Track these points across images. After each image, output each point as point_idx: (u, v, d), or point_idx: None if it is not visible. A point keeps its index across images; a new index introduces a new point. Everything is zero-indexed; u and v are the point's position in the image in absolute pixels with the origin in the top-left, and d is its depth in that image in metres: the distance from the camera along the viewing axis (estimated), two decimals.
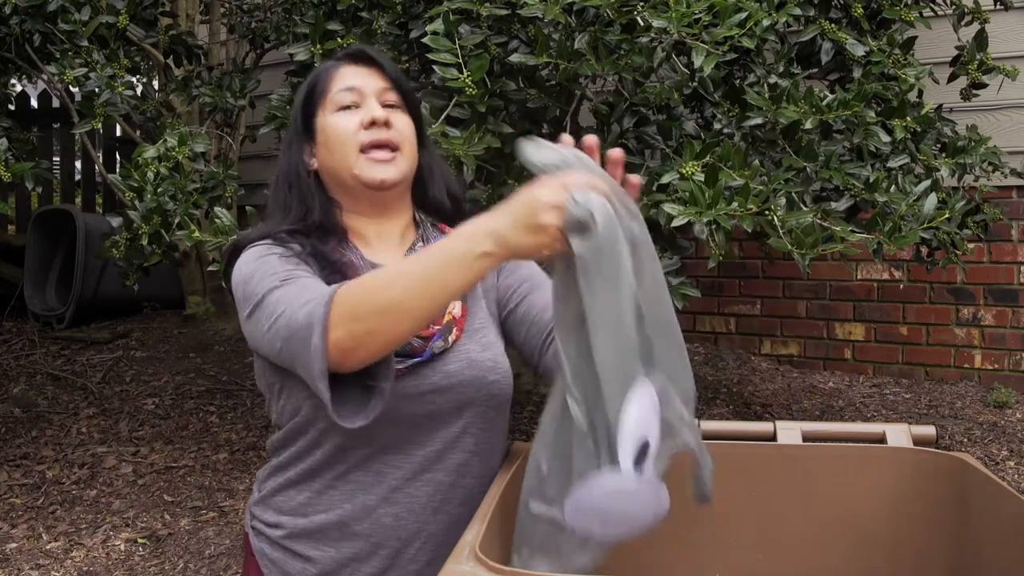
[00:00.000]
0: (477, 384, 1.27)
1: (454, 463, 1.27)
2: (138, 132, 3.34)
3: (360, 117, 1.30)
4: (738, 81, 2.52)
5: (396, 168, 1.30)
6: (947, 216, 2.29)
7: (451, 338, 1.28)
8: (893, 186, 2.32)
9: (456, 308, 1.30)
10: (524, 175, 2.30)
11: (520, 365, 1.37)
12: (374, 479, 1.25)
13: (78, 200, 5.73)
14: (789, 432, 1.44)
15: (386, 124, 1.30)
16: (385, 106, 1.33)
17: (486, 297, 1.35)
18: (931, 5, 3.06)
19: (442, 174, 1.39)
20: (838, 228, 2.12)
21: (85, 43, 2.79)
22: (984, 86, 2.97)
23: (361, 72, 1.34)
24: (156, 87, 3.71)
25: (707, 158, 2.09)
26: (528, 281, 1.35)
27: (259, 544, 1.32)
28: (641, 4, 2.10)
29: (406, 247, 1.34)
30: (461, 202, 1.39)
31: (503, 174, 2.40)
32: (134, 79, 3.16)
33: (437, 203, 1.36)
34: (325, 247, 1.27)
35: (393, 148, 1.30)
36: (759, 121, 2.30)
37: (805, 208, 2.21)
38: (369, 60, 1.35)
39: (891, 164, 2.47)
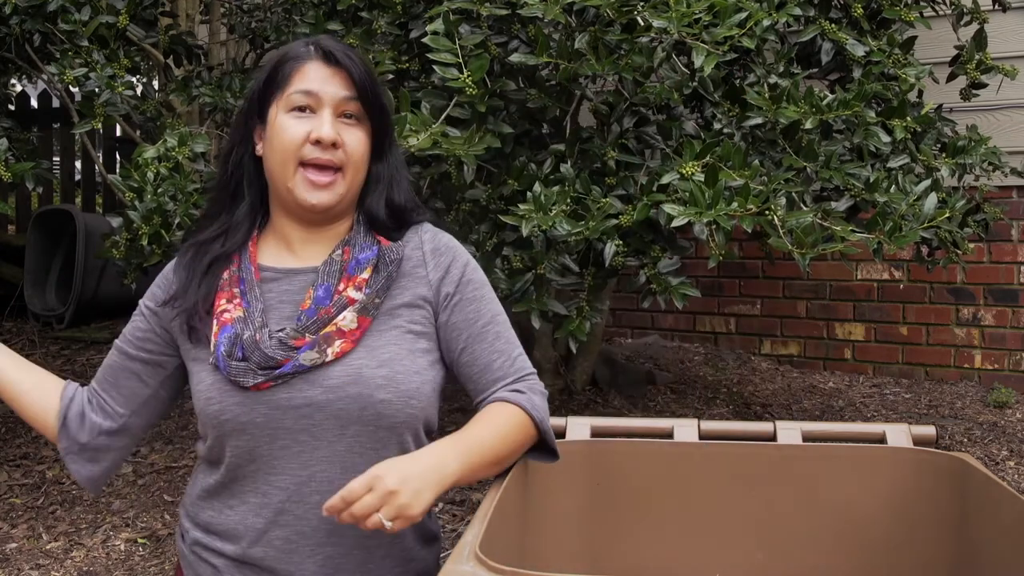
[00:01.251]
0: (362, 402, 1.21)
1: (344, 485, 1.22)
2: (138, 132, 3.33)
3: (310, 128, 1.25)
4: (738, 81, 2.52)
5: (332, 193, 1.26)
6: (947, 216, 2.29)
7: (332, 351, 1.22)
8: (893, 186, 2.32)
9: (347, 319, 1.24)
10: (524, 175, 2.30)
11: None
12: (261, 500, 1.24)
13: (78, 200, 5.72)
14: (789, 432, 1.44)
15: (334, 144, 1.25)
16: (342, 115, 1.27)
17: (414, 312, 1.28)
18: (931, 5, 3.06)
19: (392, 185, 1.33)
20: (838, 228, 2.12)
21: (85, 43, 2.79)
22: (983, 86, 2.96)
23: (326, 75, 1.28)
24: (156, 87, 3.71)
25: (707, 158, 2.09)
26: (477, 322, 1.29)
27: (180, 544, 1.34)
28: (641, 4, 2.10)
29: (330, 251, 1.30)
30: (405, 213, 1.33)
31: (503, 174, 2.40)
32: (134, 79, 3.15)
33: (371, 213, 1.31)
34: (219, 268, 1.29)
35: (335, 169, 1.26)
36: (759, 121, 2.30)
37: (805, 208, 2.21)
38: (337, 63, 1.28)
39: (891, 164, 2.47)
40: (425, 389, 1.26)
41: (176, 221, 2.47)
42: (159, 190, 2.50)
